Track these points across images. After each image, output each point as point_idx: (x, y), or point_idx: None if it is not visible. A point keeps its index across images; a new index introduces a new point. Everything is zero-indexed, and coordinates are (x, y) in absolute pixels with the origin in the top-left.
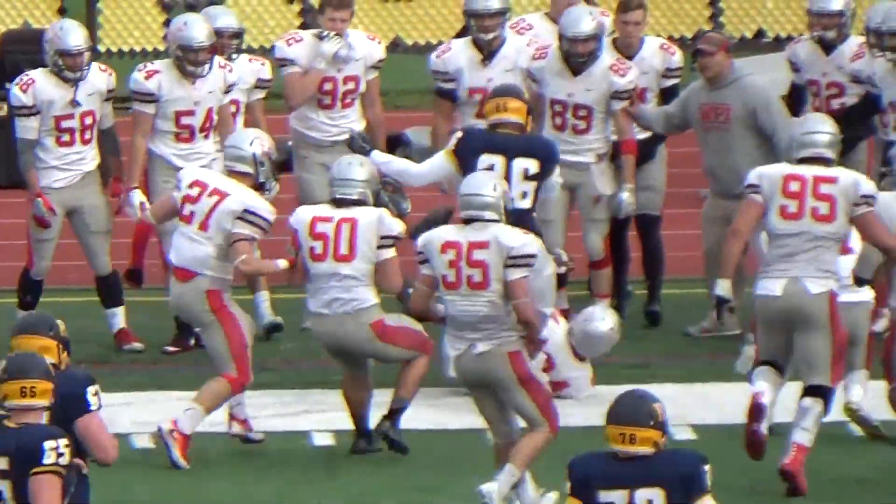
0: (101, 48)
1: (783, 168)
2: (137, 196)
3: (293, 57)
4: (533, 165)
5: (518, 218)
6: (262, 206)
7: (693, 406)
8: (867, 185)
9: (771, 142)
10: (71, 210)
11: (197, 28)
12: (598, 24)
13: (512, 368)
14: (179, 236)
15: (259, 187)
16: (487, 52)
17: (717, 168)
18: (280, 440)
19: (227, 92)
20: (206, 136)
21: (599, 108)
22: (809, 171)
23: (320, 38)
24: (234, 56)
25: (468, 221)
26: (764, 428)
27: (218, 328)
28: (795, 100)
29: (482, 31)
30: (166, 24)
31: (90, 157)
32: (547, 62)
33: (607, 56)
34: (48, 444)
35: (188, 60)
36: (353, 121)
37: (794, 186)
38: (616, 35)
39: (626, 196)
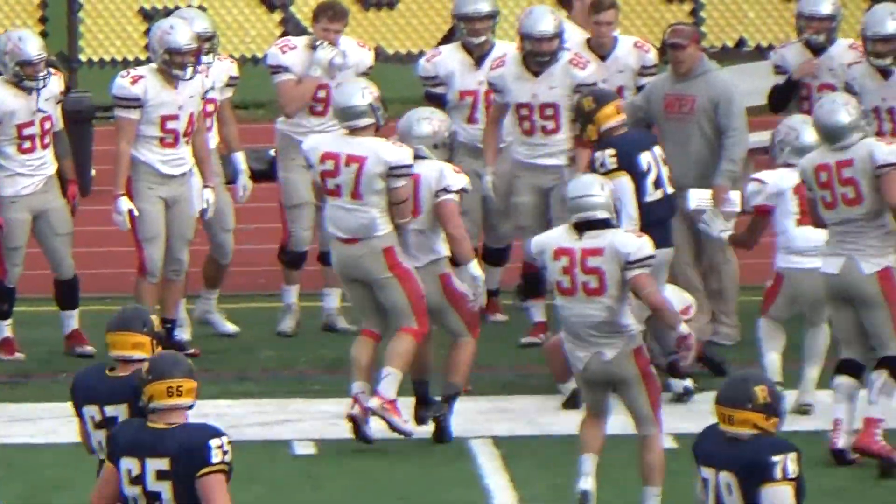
0: (83, 58)
1: (814, 159)
2: (125, 203)
3: (288, 64)
4: (661, 151)
5: (670, 203)
6: (400, 156)
7: (673, 415)
8: (882, 154)
9: (722, 136)
10: (36, 214)
11: (184, 31)
12: (559, 22)
13: (636, 364)
14: (335, 209)
15: (380, 129)
16: (478, 55)
17: (673, 157)
18: (261, 449)
19: (203, 97)
20: (188, 142)
21: (565, 104)
22: (833, 157)
23: (313, 47)
24: (206, 60)
25: (579, 224)
26: (841, 443)
27: (396, 284)
28: (779, 97)
29: (472, 35)
30: (147, 33)
31: (49, 160)
32: (506, 68)
33: (564, 53)
34: (214, 443)
35: (175, 64)
36: None
37: (824, 177)
38: (589, 36)
39: None
